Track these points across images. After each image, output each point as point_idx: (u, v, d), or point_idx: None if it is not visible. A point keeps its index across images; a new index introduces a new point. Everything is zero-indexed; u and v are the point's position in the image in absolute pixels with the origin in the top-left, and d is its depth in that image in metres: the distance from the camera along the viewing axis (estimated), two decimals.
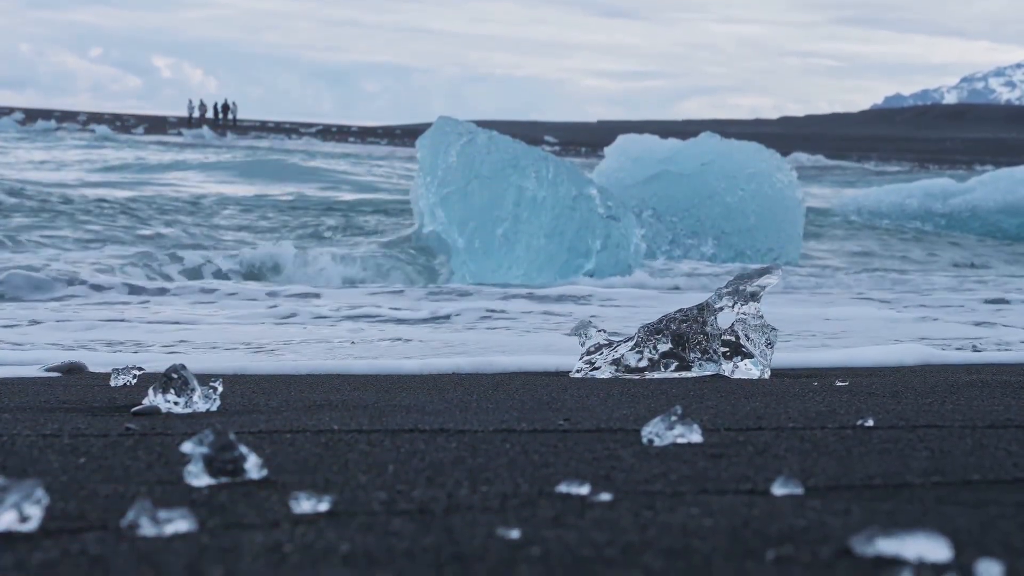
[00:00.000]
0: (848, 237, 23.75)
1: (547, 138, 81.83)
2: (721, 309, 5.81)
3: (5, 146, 46.21)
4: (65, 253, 15.96)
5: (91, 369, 6.05)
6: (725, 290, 5.85)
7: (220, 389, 4.41)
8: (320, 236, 20.39)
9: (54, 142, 51.86)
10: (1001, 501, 2.75)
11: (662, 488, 2.89)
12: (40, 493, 2.44)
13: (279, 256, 15.52)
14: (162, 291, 12.27)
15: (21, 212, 20.95)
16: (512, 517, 2.55)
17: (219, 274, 14.73)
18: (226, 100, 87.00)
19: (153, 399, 4.32)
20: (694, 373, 5.75)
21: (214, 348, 7.86)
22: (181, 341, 8.18)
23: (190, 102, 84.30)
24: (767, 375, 5.75)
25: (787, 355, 6.65)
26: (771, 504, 2.68)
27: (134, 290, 12.26)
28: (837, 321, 9.81)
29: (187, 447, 2.94)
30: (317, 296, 12.07)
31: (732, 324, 5.80)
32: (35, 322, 9.35)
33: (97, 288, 12.20)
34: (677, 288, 14.69)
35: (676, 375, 5.73)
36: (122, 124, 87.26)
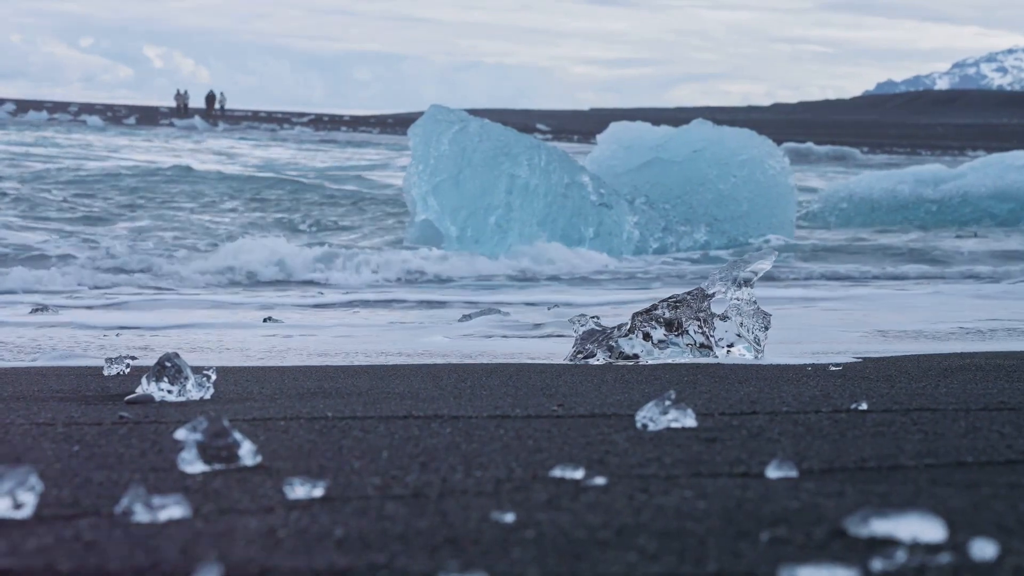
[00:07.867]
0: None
1: (539, 126, 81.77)
2: (714, 295, 5.81)
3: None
4: None
5: None
6: (718, 276, 5.85)
7: (214, 377, 4.41)
8: None
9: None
10: (994, 482, 2.76)
11: (656, 472, 2.89)
12: (34, 480, 2.43)
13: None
14: None
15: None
16: (506, 501, 2.55)
17: None
18: (211, 91, 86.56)
19: (147, 387, 4.32)
20: (687, 359, 5.75)
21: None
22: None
23: (178, 91, 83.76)
24: (761, 360, 5.75)
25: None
26: (765, 487, 2.68)
27: None
28: None
29: (181, 434, 2.94)
30: None
31: (725, 309, 5.80)
32: None
33: None
34: (668, 275, 14.68)
35: (670, 361, 5.73)
36: (113, 115, 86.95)
